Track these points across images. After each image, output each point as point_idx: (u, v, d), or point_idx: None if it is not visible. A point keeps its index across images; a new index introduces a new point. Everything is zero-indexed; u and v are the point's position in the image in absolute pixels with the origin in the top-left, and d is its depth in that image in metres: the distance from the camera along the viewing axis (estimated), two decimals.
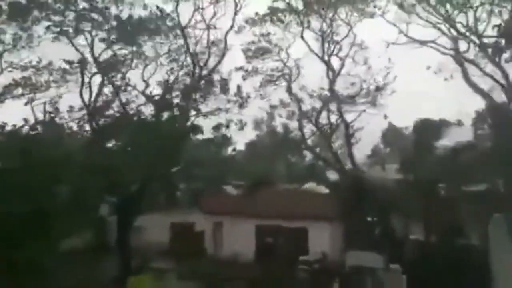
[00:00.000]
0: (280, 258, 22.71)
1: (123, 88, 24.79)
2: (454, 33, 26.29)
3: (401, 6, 26.59)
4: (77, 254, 19.79)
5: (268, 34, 27.79)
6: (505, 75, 24.17)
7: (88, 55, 24.43)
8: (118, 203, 23.49)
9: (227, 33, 26.51)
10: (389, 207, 22.67)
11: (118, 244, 22.64)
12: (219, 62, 26.22)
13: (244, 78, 28.03)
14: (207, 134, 26.08)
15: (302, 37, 27.67)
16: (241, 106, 26.29)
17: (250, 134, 31.94)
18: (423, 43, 26.88)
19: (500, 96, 24.56)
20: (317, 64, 28.23)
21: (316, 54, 27.74)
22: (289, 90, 28.64)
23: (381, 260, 17.44)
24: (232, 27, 26.54)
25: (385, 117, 27.45)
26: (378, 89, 27.37)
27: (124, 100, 24.82)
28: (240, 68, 27.69)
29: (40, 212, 14.46)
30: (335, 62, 28.11)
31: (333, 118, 28.52)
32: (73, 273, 16.89)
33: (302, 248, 22.81)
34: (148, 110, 25.14)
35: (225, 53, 26.21)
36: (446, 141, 23.08)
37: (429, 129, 23.13)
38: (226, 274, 20.66)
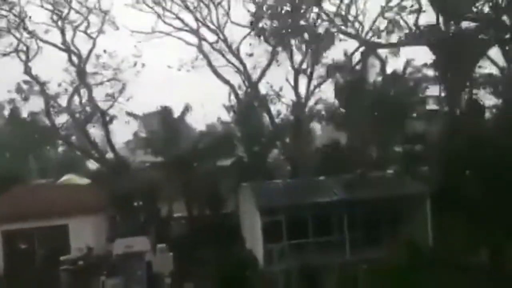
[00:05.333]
0: (38, 263, 20.21)
1: None
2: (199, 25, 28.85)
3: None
4: None
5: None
6: (243, 64, 28.27)
7: None
8: None
9: None
10: (151, 190, 23.23)
11: None
12: None
13: None
14: None
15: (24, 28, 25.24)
16: None
17: None
18: (170, 33, 28.69)
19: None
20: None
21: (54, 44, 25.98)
22: (27, 71, 25.60)
23: (148, 242, 17.78)
24: None
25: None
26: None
27: None
28: None
29: None
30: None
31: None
32: None
33: (64, 247, 20.90)
34: None
35: None
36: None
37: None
38: None
